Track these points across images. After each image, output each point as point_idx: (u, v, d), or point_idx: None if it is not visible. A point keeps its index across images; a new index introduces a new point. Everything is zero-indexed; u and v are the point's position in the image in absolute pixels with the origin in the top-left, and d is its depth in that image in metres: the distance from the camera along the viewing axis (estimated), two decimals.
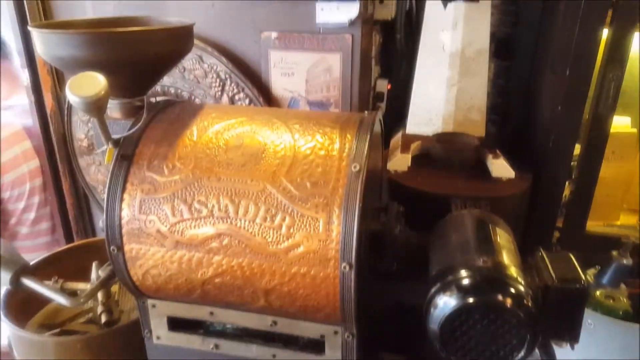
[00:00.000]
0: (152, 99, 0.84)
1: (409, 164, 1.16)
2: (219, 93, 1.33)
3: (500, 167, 1.11)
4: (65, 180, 1.61)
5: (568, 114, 1.14)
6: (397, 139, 1.33)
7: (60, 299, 0.81)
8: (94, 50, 0.71)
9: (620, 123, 1.38)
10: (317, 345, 0.78)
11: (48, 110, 1.51)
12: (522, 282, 0.61)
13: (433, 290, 0.63)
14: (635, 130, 1.39)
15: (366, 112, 0.81)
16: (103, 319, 0.99)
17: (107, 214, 0.74)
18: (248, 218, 0.70)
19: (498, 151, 1.16)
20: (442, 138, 1.23)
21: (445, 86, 1.26)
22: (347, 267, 0.67)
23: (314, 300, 0.71)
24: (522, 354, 0.61)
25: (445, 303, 0.62)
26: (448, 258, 0.67)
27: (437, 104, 1.29)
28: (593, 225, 1.31)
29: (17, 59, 1.49)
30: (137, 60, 0.75)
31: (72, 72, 0.69)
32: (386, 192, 1.12)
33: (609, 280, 1.04)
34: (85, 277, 0.89)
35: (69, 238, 1.70)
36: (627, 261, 1.03)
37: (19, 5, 1.37)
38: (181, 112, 0.83)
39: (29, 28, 0.74)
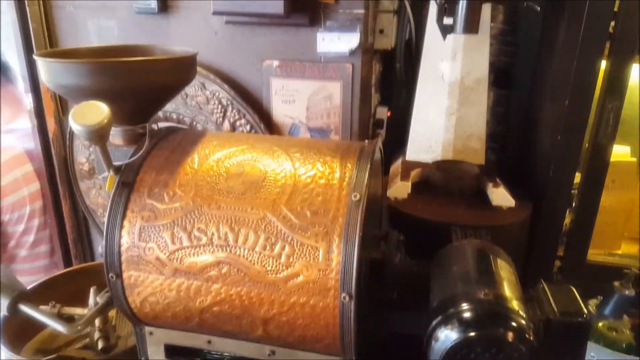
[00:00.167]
0: (154, 125, 0.84)
1: (409, 191, 1.16)
2: (221, 119, 1.34)
3: (500, 196, 1.12)
4: (65, 203, 1.61)
5: (568, 143, 1.15)
6: (396, 165, 1.33)
7: (58, 326, 0.80)
8: (98, 80, 0.72)
9: (620, 152, 1.39)
10: None
11: (50, 134, 1.52)
12: (524, 316, 0.60)
13: (434, 322, 0.63)
14: (635, 159, 1.39)
15: (366, 141, 0.81)
16: (100, 345, 0.98)
17: (106, 241, 0.74)
18: (247, 246, 0.70)
19: (498, 179, 1.16)
20: (441, 166, 1.23)
21: (445, 114, 1.27)
22: (347, 298, 0.66)
23: (313, 331, 0.70)
24: None
25: (447, 336, 0.61)
26: (449, 289, 0.66)
27: (437, 131, 1.29)
28: (594, 253, 1.30)
29: (21, 83, 1.51)
30: (141, 89, 0.76)
31: (76, 100, 0.70)
32: (386, 219, 1.12)
33: (611, 311, 1.02)
34: (83, 301, 0.88)
35: (67, 261, 1.69)
36: (629, 292, 1.02)
37: (25, 31, 1.39)
38: (183, 139, 0.83)
39: (34, 57, 0.75)
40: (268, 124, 1.33)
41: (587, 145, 1.19)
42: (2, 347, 0.99)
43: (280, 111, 1.31)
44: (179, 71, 0.81)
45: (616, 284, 1.05)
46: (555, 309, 0.63)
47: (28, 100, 1.49)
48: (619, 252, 1.40)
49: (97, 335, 0.99)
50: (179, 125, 1.37)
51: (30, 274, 1.62)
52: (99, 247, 0.77)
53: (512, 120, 1.46)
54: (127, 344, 1.03)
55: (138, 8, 1.29)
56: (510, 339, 0.59)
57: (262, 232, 0.70)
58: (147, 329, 0.82)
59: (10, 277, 0.84)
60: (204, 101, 1.33)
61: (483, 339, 0.60)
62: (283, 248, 0.69)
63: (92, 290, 0.88)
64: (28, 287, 0.99)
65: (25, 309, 0.81)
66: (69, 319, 0.83)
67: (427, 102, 1.29)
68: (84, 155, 1.51)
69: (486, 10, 1.20)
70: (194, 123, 1.37)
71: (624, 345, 1.00)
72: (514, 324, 0.60)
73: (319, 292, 0.68)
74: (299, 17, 1.19)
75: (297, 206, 0.71)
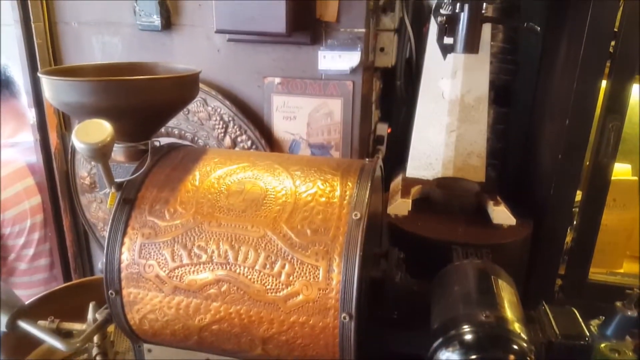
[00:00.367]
0: (156, 140, 0.85)
1: (410, 208, 1.16)
2: (222, 135, 1.34)
3: (501, 214, 1.12)
4: (66, 217, 1.61)
5: (569, 161, 1.15)
6: (397, 182, 1.33)
7: (56, 344, 0.80)
8: (101, 98, 0.72)
9: (621, 170, 1.39)
10: None
11: (52, 148, 1.52)
12: (525, 338, 0.60)
13: (435, 344, 0.62)
14: (636, 177, 1.39)
15: (367, 159, 0.81)
16: None
17: (106, 258, 0.74)
18: (247, 264, 0.70)
19: (499, 197, 1.16)
20: (442, 183, 1.24)
21: (445, 132, 1.27)
22: (347, 318, 0.66)
23: (312, 351, 0.70)
24: None
25: (448, 358, 0.61)
26: (450, 311, 0.66)
27: (437, 149, 1.30)
28: (596, 272, 1.30)
29: (24, 98, 1.52)
30: (144, 107, 0.76)
31: (79, 118, 0.70)
32: (386, 236, 1.11)
33: (613, 332, 1.01)
34: (82, 316, 0.87)
35: (66, 275, 1.68)
36: (631, 313, 1.01)
37: (29, 47, 1.40)
38: (184, 156, 0.84)
39: (39, 74, 0.76)
40: (269, 140, 1.33)
41: (587, 163, 1.19)
42: None
43: (281, 127, 1.32)
44: (181, 89, 0.82)
45: (618, 304, 1.04)
46: (557, 332, 0.63)
47: (31, 115, 1.50)
48: (621, 271, 1.39)
49: (95, 351, 0.98)
50: (181, 141, 1.37)
51: (29, 287, 1.62)
52: (99, 263, 0.77)
53: (512, 137, 1.47)
54: (126, 359, 1.03)
55: (142, 25, 1.30)
56: None
57: (262, 250, 0.70)
58: (146, 346, 0.82)
59: (9, 293, 0.83)
60: (205, 117, 1.34)
61: None
62: (283, 267, 0.69)
63: (91, 306, 0.88)
64: (27, 302, 0.99)
65: (24, 325, 0.81)
66: (67, 335, 0.82)
67: (428, 119, 1.29)
68: (85, 169, 1.52)
69: (486, 29, 1.21)
70: (196, 139, 1.38)
71: None
72: (515, 346, 0.59)
73: (318, 311, 0.67)
74: (300, 35, 1.20)
75: (297, 224, 0.71)
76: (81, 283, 1.26)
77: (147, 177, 0.79)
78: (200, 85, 1.16)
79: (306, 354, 0.70)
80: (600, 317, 1.08)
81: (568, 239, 1.25)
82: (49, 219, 1.61)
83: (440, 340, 0.62)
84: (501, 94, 1.40)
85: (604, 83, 1.12)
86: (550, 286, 1.26)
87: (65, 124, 1.52)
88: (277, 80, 1.27)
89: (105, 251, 0.74)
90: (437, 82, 1.27)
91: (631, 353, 0.99)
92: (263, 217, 0.72)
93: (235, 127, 1.32)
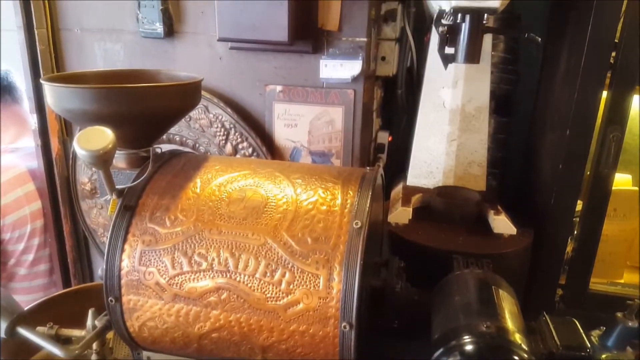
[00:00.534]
0: (157, 147, 0.85)
1: (410, 217, 1.16)
2: (223, 142, 1.34)
3: (501, 224, 1.11)
4: (66, 222, 1.61)
5: (569, 172, 1.15)
6: (397, 190, 1.33)
7: (55, 351, 0.80)
8: (103, 105, 0.73)
9: (621, 180, 1.39)
10: None
11: (54, 154, 1.53)
12: (526, 349, 0.60)
13: (436, 354, 0.62)
14: (636, 188, 1.39)
15: (368, 167, 0.82)
16: None
17: (107, 265, 0.74)
18: (248, 272, 0.70)
19: (499, 207, 1.16)
20: (442, 192, 1.24)
21: (446, 141, 1.28)
22: (347, 327, 0.65)
23: None
24: None
25: None
26: (451, 321, 0.66)
27: (438, 157, 1.30)
28: (596, 282, 1.29)
29: (26, 103, 1.52)
30: (146, 114, 0.77)
31: (81, 124, 0.71)
32: (387, 244, 1.11)
33: (614, 343, 1.01)
34: (82, 322, 0.87)
35: (66, 280, 1.68)
36: (632, 324, 1.01)
37: (32, 53, 1.41)
38: (186, 163, 0.84)
39: (41, 81, 0.76)
40: (270, 147, 1.34)
41: (588, 173, 1.19)
42: None
43: (283, 135, 1.32)
44: (183, 97, 0.82)
45: (619, 315, 1.03)
46: (558, 343, 0.63)
47: (33, 120, 1.50)
48: (621, 281, 1.39)
49: (94, 357, 0.98)
50: (182, 148, 1.37)
51: (28, 292, 1.61)
52: (99, 269, 0.77)
53: (513, 147, 1.47)
54: None
55: (144, 32, 1.31)
56: None
57: (262, 259, 0.70)
58: (145, 353, 0.82)
59: (9, 299, 0.83)
60: (207, 124, 1.34)
61: None
62: (283, 275, 0.69)
63: (90, 312, 0.88)
64: (26, 308, 0.98)
65: (23, 332, 0.81)
66: (66, 341, 0.82)
67: (428, 128, 1.30)
68: (86, 175, 1.52)
69: (487, 40, 1.22)
70: (197, 145, 1.38)
71: None
72: (516, 357, 0.59)
73: (319, 320, 0.67)
74: (302, 44, 1.20)
75: (298, 232, 0.70)
76: (81, 289, 1.25)
77: (148, 184, 0.79)
78: (202, 92, 1.16)
79: None
80: (601, 327, 1.08)
81: (569, 248, 1.25)
82: (49, 225, 1.61)
83: (441, 350, 0.62)
84: (502, 103, 1.40)
85: (604, 94, 1.13)
86: (550, 296, 1.25)
87: (66, 130, 1.52)
88: (279, 88, 1.28)
89: (105, 258, 0.74)
90: (438, 91, 1.27)
91: None
92: (264, 225, 0.72)
93: (237, 134, 1.33)
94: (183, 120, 1.35)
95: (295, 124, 1.30)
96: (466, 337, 0.61)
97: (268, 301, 0.69)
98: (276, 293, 0.69)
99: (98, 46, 1.39)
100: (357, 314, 0.65)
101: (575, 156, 1.14)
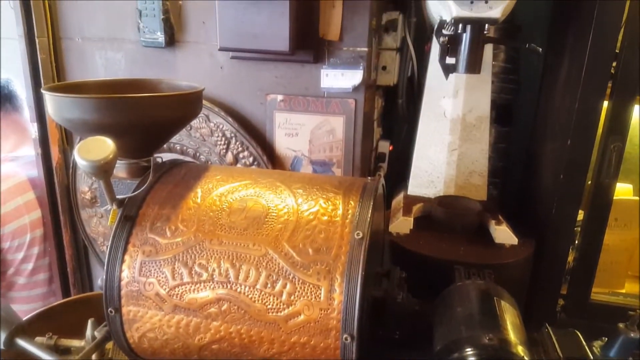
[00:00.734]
0: (158, 157, 0.85)
1: (411, 226, 1.16)
2: (224, 151, 1.34)
3: (503, 234, 1.11)
4: (66, 231, 1.60)
5: (570, 181, 1.15)
6: (398, 200, 1.33)
7: None
8: (104, 115, 0.73)
9: (622, 190, 1.39)
10: None
11: (54, 163, 1.53)
12: None
13: None
14: (637, 198, 1.39)
15: (369, 177, 0.81)
16: None
17: (106, 275, 0.74)
18: (248, 283, 0.70)
19: (500, 216, 1.16)
20: (443, 201, 1.23)
21: (447, 150, 1.28)
22: (349, 339, 0.65)
23: None
24: None
25: None
26: (453, 333, 0.65)
27: (439, 167, 1.30)
28: (598, 292, 1.29)
29: (27, 112, 1.52)
30: (147, 124, 0.77)
31: (81, 134, 0.70)
32: (388, 254, 1.11)
33: (616, 354, 1.00)
34: (81, 332, 0.87)
35: (65, 290, 1.67)
36: (634, 334, 1.00)
37: (33, 62, 1.41)
38: (187, 173, 0.83)
39: (42, 91, 0.76)
40: (271, 156, 1.33)
41: (589, 183, 1.19)
42: None
43: (283, 144, 1.32)
44: (184, 106, 0.82)
45: (621, 325, 1.03)
46: (561, 355, 0.62)
47: (33, 129, 1.50)
48: (623, 290, 1.39)
49: None
50: (183, 157, 1.37)
51: (27, 301, 1.60)
52: (99, 279, 0.77)
53: (514, 156, 1.47)
54: None
55: (145, 42, 1.32)
56: None
57: (263, 269, 0.69)
58: None
59: (8, 310, 0.83)
60: (208, 133, 1.34)
61: None
62: (284, 286, 0.68)
63: (89, 322, 0.87)
64: (25, 318, 0.98)
65: (22, 343, 0.80)
66: (65, 352, 0.82)
67: (429, 138, 1.30)
68: (86, 184, 1.52)
69: (488, 50, 1.22)
70: (198, 154, 1.38)
71: None
72: None
73: (320, 332, 0.67)
74: (303, 54, 1.21)
75: (299, 243, 0.70)
76: (80, 299, 1.25)
77: (149, 194, 0.78)
78: (203, 101, 1.16)
79: None
80: (603, 338, 1.07)
81: (570, 258, 1.24)
82: (49, 234, 1.60)
83: None
84: (502, 113, 1.41)
85: (605, 103, 1.13)
86: (552, 306, 1.25)
87: (67, 139, 1.52)
88: (280, 97, 1.28)
89: (105, 268, 0.73)
90: (439, 101, 1.27)
91: None
92: (265, 235, 0.72)
93: (238, 143, 1.33)
94: (184, 129, 1.35)
95: (296, 133, 1.30)
96: (468, 349, 0.60)
97: (269, 312, 0.68)
98: (277, 304, 0.68)
99: (99, 55, 1.40)
100: (359, 326, 0.64)
101: (576, 166, 1.14)
